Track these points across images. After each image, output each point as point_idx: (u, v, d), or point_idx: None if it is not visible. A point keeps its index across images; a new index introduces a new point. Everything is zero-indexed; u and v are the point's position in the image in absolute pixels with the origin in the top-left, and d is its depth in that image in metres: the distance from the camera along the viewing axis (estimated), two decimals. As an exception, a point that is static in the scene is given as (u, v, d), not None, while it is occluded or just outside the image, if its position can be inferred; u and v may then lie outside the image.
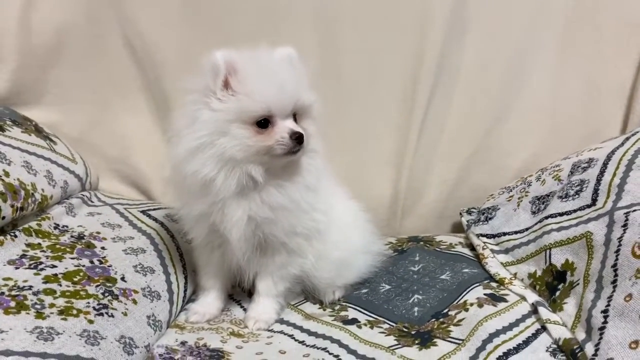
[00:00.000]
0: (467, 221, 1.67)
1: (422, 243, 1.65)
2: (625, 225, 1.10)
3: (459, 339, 1.14)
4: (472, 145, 1.81)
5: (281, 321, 1.32)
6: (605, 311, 0.98)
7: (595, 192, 1.27)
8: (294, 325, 1.29)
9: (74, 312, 1.08)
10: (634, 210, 1.11)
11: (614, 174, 1.26)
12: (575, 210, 1.29)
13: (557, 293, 1.20)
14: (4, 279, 1.09)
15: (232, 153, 1.13)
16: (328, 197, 1.35)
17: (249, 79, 1.14)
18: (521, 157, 1.80)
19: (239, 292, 1.43)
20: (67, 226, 1.37)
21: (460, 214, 1.73)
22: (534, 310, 1.20)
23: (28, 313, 1.03)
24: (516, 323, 1.16)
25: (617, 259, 1.05)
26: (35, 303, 1.06)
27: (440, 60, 1.76)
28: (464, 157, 1.81)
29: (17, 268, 1.14)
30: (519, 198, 1.53)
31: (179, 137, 1.17)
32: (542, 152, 1.78)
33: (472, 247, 1.57)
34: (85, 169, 1.63)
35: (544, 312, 1.15)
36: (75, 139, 1.80)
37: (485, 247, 1.49)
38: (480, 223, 1.57)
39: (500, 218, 1.53)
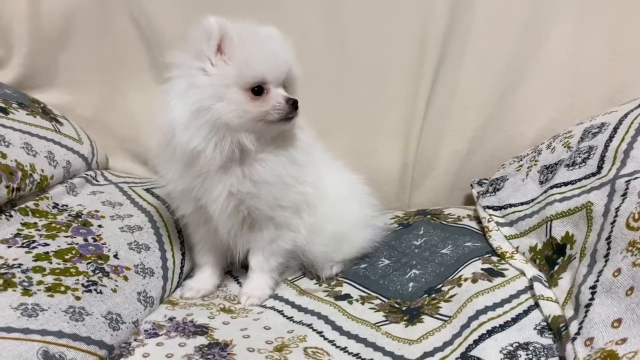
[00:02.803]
0: (478, 192, 1.60)
1: (429, 216, 1.59)
2: (624, 195, 1.01)
3: (447, 316, 1.10)
4: (484, 113, 1.72)
5: (275, 296, 1.31)
6: (593, 287, 0.91)
7: (602, 159, 1.18)
8: (286, 301, 1.28)
9: (62, 289, 1.11)
10: (635, 178, 1.02)
11: (622, 139, 1.17)
12: (580, 179, 1.21)
13: (556, 267, 1.13)
14: (-5, 258, 1.13)
15: (228, 118, 1.13)
16: (318, 170, 1.33)
17: (244, 45, 1.14)
18: (537, 124, 1.70)
19: (238, 269, 1.43)
20: (66, 205, 1.40)
21: (471, 185, 1.66)
22: (531, 286, 1.13)
23: (15, 290, 1.06)
24: (509, 299, 1.10)
25: (611, 231, 0.97)
26: (23, 280, 1.09)
27: (449, 21, 1.67)
28: (476, 126, 1.73)
29: (9, 247, 1.17)
30: (528, 167, 1.44)
31: (171, 106, 1.16)
32: (560, 118, 1.67)
33: (480, 220, 1.50)
34: (91, 149, 1.66)
35: (539, 288, 1.09)
36: (87, 119, 1.84)
37: (490, 219, 1.42)
38: (488, 194, 1.50)
39: (507, 189, 1.46)
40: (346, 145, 1.75)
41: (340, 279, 1.37)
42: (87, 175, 1.58)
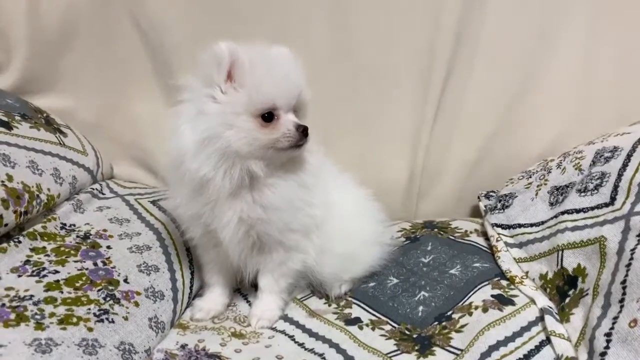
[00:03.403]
0: (485, 206, 1.59)
1: (436, 230, 1.59)
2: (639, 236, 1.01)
3: (459, 349, 1.11)
4: (493, 123, 1.71)
5: (285, 318, 1.32)
6: (608, 334, 0.92)
7: (615, 189, 1.18)
8: (297, 324, 1.29)
9: (74, 320, 1.10)
10: (651, 219, 1.02)
11: (637, 170, 1.17)
12: (592, 208, 1.20)
13: (567, 300, 1.14)
14: (6, 289, 1.12)
15: (238, 146, 1.12)
16: (327, 191, 1.32)
17: (255, 72, 1.12)
18: (546, 134, 1.68)
19: (247, 287, 1.43)
20: (74, 225, 1.39)
21: (479, 197, 1.65)
22: (542, 317, 1.14)
23: (27, 324, 1.06)
24: (520, 332, 1.11)
25: (627, 275, 0.97)
26: (36, 313, 1.09)
27: (458, 29, 1.64)
28: (485, 136, 1.72)
29: (19, 276, 1.17)
30: (537, 186, 1.44)
31: (180, 131, 1.15)
32: (569, 129, 1.67)
33: (487, 236, 1.50)
34: (96, 160, 1.65)
35: (550, 322, 1.09)
36: (90, 125, 1.82)
37: (499, 238, 1.42)
38: (497, 211, 1.50)
39: (516, 207, 1.46)
40: (354, 154, 1.74)
41: (350, 298, 1.37)
42: (93, 189, 1.56)
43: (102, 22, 1.78)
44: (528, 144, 1.70)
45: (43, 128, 1.55)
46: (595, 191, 1.23)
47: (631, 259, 0.99)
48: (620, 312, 0.93)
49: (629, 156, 1.22)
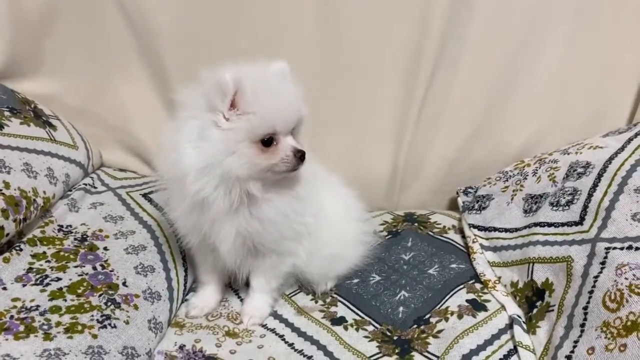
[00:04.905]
0: (463, 202, 1.69)
1: (416, 224, 1.69)
2: (603, 264, 1.12)
3: (435, 355, 1.22)
4: (474, 121, 1.77)
5: (275, 315, 1.41)
6: (569, 357, 1.04)
7: (585, 209, 1.27)
8: (286, 322, 1.38)
9: (79, 328, 1.17)
10: (614, 248, 1.12)
11: (605, 193, 1.26)
12: (562, 224, 1.30)
13: (535, 311, 1.25)
14: (13, 300, 1.18)
15: (239, 172, 1.16)
16: (318, 199, 1.38)
17: (258, 99, 1.14)
18: (524, 135, 1.76)
19: (239, 284, 1.51)
20: (70, 226, 1.44)
21: (457, 193, 1.74)
22: (511, 324, 1.26)
23: (36, 336, 1.12)
24: (491, 340, 1.23)
25: (588, 302, 1.08)
26: (43, 324, 1.15)
27: (446, 29, 1.67)
28: (466, 133, 1.78)
29: (24, 285, 1.22)
30: (513, 191, 1.53)
31: (181, 151, 1.17)
32: (545, 130, 1.75)
33: (464, 234, 1.60)
34: (86, 152, 1.67)
35: (518, 333, 1.21)
36: (77, 109, 1.81)
37: (475, 240, 1.52)
38: (474, 212, 1.59)
39: (493, 209, 1.55)
40: (339, 148, 1.80)
41: (335, 295, 1.47)
42: (86, 185, 1.59)
43: (85, 3, 1.74)
44: (506, 143, 1.77)
45: (33, 123, 1.56)
46: (567, 207, 1.32)
47: (594, 286, 1.09)
48: (580, 336, 1.05)
49: (599, 176, 1.31)
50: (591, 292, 1.09)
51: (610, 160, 1.33)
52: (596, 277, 1.11)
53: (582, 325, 1.07)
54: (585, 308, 1.08)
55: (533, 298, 1.27)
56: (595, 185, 1.29)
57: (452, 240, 1.61)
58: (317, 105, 1.70)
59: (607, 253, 1.13)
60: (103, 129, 1.85)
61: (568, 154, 1.48)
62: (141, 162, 1.88)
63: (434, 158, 1.81)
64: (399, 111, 1.77)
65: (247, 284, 1.45)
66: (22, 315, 1.16)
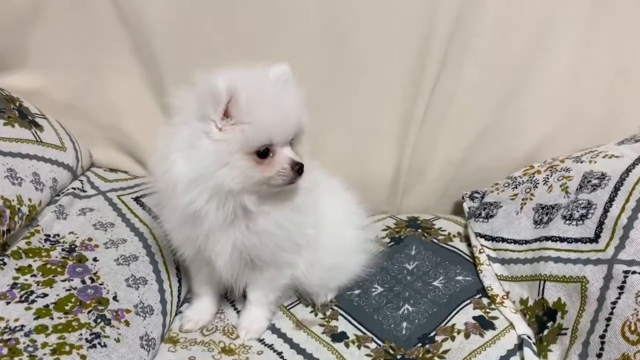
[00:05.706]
0: (469, 208, 1.62)
1: (420, 230, 1.62)
2: (621, 288, 1.06)
3: (441, 378, 1.17)
4: (481, 122, 1.69)
5: (272, 328, 1.35)
6: (584, 389, 0.99)
7: (600, 225, 1.21)
8: (284, 337, 1.32)
9: (67, 348, 1.11)
10: (633, 272, 1.06)
11: (623, 209, 1.19)
12: (576, 240, 1.24)
13: (545, 332, 1.19)
14: (-4, 319, 1.12)
15: (231, 185, 1.09)
16: (319, 205, 1.31)
17: (253, 108, 1.07)
18: (533, 138, 1.69)
19: (235, 297, 1.45)
20: (58, 235, 1.36)
21: (463, 198, 1.68)
22: (520, 345, 1.20)
23: (21, 359, 1.06)
24: (499, 363, 1.17)
25: (606, 330, 1.02)
26: (28, 345, 1.09)
27: (454, 26, 1.58)
28: (472, 135, 1.71)
29: (7, 303, 1.15)
30: (522, 199, 1.46)
31: (171, 161, 1.10)
32: (556, 133, 1.67)
33: (470, 242, 1.54)
34: (75, 153, 1.59)
35: (529, 356, 1.15)
36: (64, 105, 1.73)
37: (482, 250, 1.46)
38: (481, 220, 1.53)
39: (501, 218, 1.48)
40: (341, 148, 1.73)
41: (335, 307, 1.41)
42: (75, 189, 1.52)
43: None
44: (514, 146, 1.70)
45: (17, 123, 1.47)
46: (581, 222, 1.26)
47: (611, 313, 1.03)
48: (597, 367, 1.00)
49: (615, 189, 1.24)
50: (609, 319, 1.04)
51: (627, 172, 1.26)
52: (614, 303, 1.05)
53: (599, 356, 1.01)
54: (602, 337, 1.03)
55: (544, 318, 1.22)
56: (611, 200, 1.23)
57: (458, 249, 1.54)
58: (318, 105, 1.64)
59: (625, 277, 1.07)
60: (93, 127, 1.76)
61: (581, 162, 1.41)
62: (133, 161, 1.80)
63: (438, 160, 1.74)
64: (404, 112, 1.69)
65: (244, 295, 1.39)
66: (5, 337, 1.09)
